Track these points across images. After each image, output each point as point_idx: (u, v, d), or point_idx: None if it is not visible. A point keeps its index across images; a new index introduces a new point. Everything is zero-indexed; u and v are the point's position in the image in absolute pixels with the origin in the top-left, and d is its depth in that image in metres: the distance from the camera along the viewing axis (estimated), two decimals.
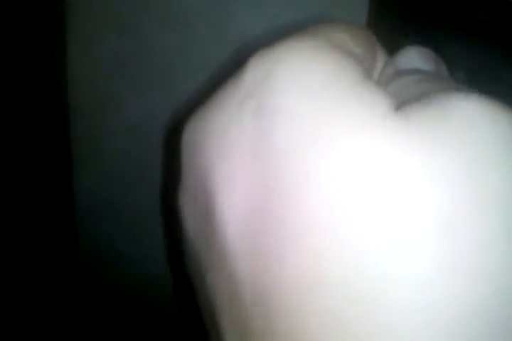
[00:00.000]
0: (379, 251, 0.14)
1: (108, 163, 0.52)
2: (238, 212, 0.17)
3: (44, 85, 0.49)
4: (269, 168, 0.16)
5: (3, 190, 0.52)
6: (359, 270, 0.14)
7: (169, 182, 0.22)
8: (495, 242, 0.14)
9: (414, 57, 0.20)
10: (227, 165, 0.17)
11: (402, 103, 0.16)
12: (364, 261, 0.14)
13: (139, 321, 0.57)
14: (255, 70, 0.17)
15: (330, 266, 0.15)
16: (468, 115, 0.15)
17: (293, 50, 0.17)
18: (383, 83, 0.19)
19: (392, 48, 0.22)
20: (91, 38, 0.48)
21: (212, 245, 0.18)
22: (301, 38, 0.18)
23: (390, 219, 0.15)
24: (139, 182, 0.52)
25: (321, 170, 0.15)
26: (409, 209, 0.14)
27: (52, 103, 0.50)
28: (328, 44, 0.18)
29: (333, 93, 0.16)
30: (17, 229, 0.53)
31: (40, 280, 0.55)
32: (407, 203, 0.14)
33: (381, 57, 0.20)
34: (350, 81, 0.16)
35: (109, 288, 0.57)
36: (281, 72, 0.17)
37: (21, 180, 0.52)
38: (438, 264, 0.14)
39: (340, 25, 0.19)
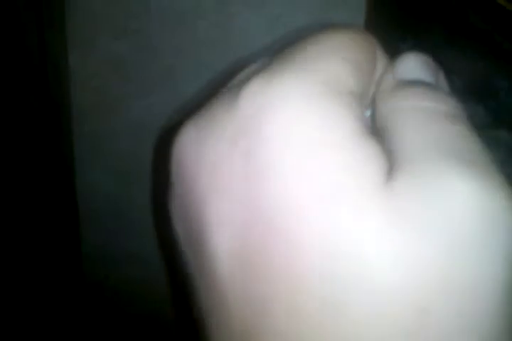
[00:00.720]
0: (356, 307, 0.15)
1: (110, 163, 0.52)
2: (229, 251, 0.17)
3: (47, 88, 0.49)
4: (258, 216, 0.17)
5: (8, 189, 0.52)
6: (328, 311, 0.15)
7: (162, 185, 0.22)
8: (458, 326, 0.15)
9: (413, 66, 0.20)
10: (218, 202, 0.18)
11: (392, 163, 0.17)
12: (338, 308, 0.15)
13: (143, 322, 0.58)
14: (249, 106, 0.17)
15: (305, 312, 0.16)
16: (450, 204, 0.16)
17: (289, 92, 0.17)
18: (382, 97, 0.19)
19: (390, 51, 0.22)
20: (92, 40, 0.48)
21: (203, 266, 0.18)
22: (297, 74, 0.17)
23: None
24: (142, 182, 0.53)
25: (308, 234, 0.16)
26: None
27: (56, 105, 0.50)
28: (323, 86, 0.17)
29: (325, 155, 0.16)
30: (20, 228, 0.53)
31: (43, 278, 0.55)
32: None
33: (381, 60, 0.20)
34: (342, 141, 0.16)
35: (112, 288, 0.57)
36: (274, 119, 0.17)
37: (25, 179, 0.52)
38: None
39: (338, 37, 0.19)
